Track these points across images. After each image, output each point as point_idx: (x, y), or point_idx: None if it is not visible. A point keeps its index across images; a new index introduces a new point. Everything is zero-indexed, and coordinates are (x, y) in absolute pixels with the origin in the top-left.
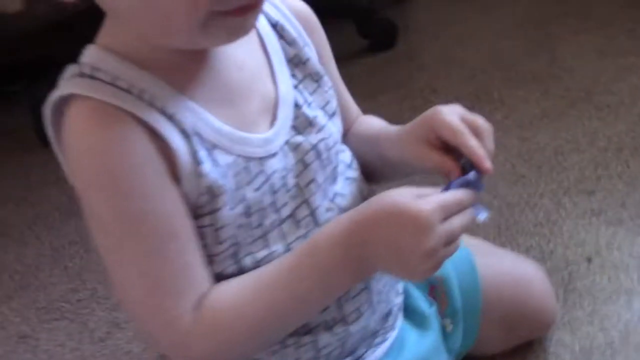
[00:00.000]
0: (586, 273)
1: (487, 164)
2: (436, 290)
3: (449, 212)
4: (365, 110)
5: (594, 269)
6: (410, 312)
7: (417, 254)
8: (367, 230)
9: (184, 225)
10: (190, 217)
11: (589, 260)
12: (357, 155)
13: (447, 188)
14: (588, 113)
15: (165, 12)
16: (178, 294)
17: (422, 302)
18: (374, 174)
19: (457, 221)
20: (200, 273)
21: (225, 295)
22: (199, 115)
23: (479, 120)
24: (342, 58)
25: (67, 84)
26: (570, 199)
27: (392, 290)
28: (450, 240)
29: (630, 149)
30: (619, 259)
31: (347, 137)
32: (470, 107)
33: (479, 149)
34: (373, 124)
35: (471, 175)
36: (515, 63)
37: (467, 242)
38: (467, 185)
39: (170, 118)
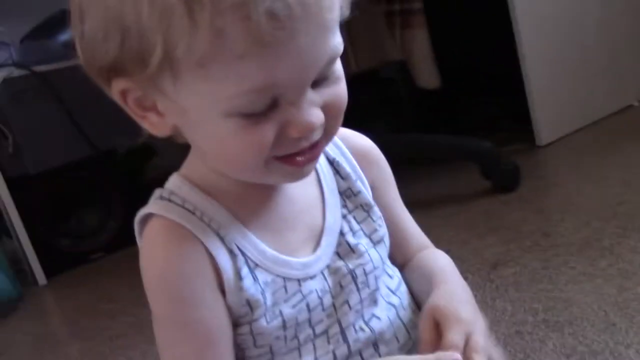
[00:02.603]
0: None
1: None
2: None
3: None
4: (476, 249)
5: None
6: None
7: None
8: None
9: (224, 334)
10: (231, 327)
11: None
12: (413, 288)
13: None
14: None
15: (236, 154)
16: None
17: None
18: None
19: None
20: None
21: None
22: (247, 238)
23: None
24: (464, 197)
25: (151, 204)
26: None
27: None
28: None
29: None
30: None
31: (407, 267)
32: (577, 253)
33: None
34: (437, 260)
35: None
36: (634, 213)
37: None
38: None
39: (222, 239)
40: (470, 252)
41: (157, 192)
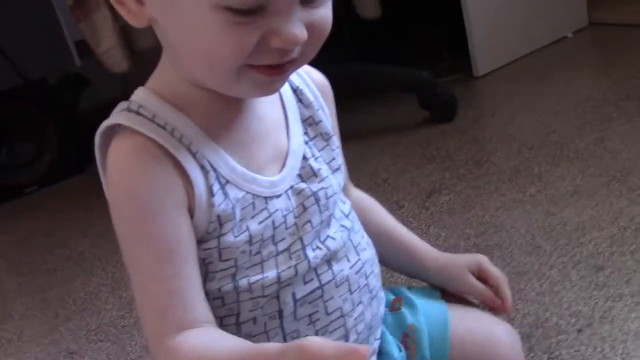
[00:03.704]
0: (573, 343)
1: (510, 310)
2: (408, 338)
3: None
4: (413, 178)
5: (581, 340)
6: (382, 355)
7: None
8: None
9: (187, 251)
10: (196, 245)
11: (579, 331)
12: (377, 245)
13: None
14: (619, 192)
15: (213, 52)
16: (163, 313)
17: (393, 347)
18: (383, 259)
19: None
20: (190, 301)
21: (191, 345)
22: (219, 154)
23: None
24: (402, 127)
25: (116, 116)
26: (577, 272)
27: (371, 335)
28: None
29: None
30: (609, 333)
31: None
32: (508, 180)
33: (510, 299)
34: (397, 228)
35: None
36: (564, 142)
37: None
38: None
39: (194, 155)
40: (407, 181)
41: (122, 104)
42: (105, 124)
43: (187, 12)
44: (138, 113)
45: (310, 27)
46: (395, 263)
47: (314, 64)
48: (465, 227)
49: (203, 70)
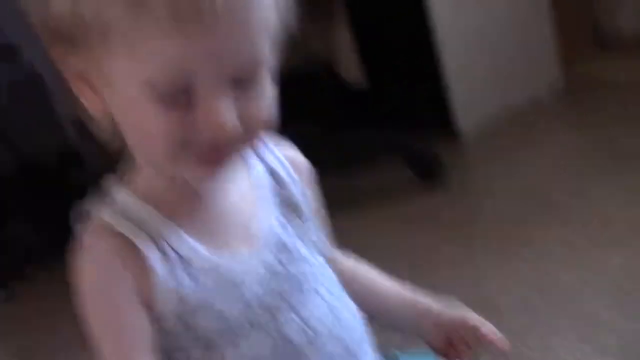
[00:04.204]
0: None
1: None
2: None
3: None
4: (402, 239)
5: None
6: None
7: None
8: None
9: (144, 341)
10: (155, 334)
11: None
12: (355, 298)
13: None
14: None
15: (146, 136)
16: None
17: None
18: (365, 310)
19: None
20: None
21: None
22: (181, 238)
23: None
24: (389, 188)
25: (89, 203)
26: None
27: None
28: None
29: None
30: None
31: (343, 276)
32: (496, 239)
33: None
34: (376, 280)
35: None
36: (548, 197)
37: None
38: None
39: (157, 243)
40: (395, 243)
41: (94, 193)
42: (80, 207)
43: (121, 92)
44: (109, 204)
45: (243, 118)
46: (391, 322)
47: (298, 135)
48: (455, 286)
49: (141, 152)
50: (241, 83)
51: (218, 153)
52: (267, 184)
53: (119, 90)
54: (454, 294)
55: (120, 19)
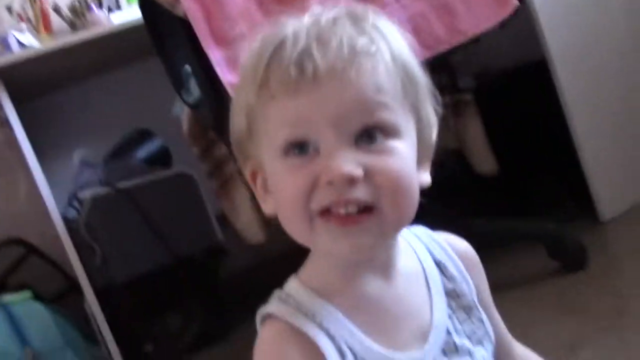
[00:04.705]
0: None
1: None
2: None
3: None
4: (552, 331)
5: None
6: None
7: None
8: None
9: None
10: None
11: None
12: None
13: None
14: None
15: (284, 201)
16: None
17: None
18: None
19: None
20: None
21: None
22: (355, 335)
23: None
24: (534, 278)
25: (269, 304)
26: None
27: None
28: None
29: None
30: None
31: None
32: None
33: None
34: None
35: None
36: None
37: None
38: None
39: (332, 338)
40: (545, 334)
41: (276, 293)
42: (262, 311)
43: (269, 171)
44: (286, 302)
45: (370, 171)
46: None
47: (431, 222)
48: None
49: (285, 222)
50: (362, 140)
51: (358, 215)
52: (437, 275)
53: (269, 172)
54: None
55: (255, 106)
